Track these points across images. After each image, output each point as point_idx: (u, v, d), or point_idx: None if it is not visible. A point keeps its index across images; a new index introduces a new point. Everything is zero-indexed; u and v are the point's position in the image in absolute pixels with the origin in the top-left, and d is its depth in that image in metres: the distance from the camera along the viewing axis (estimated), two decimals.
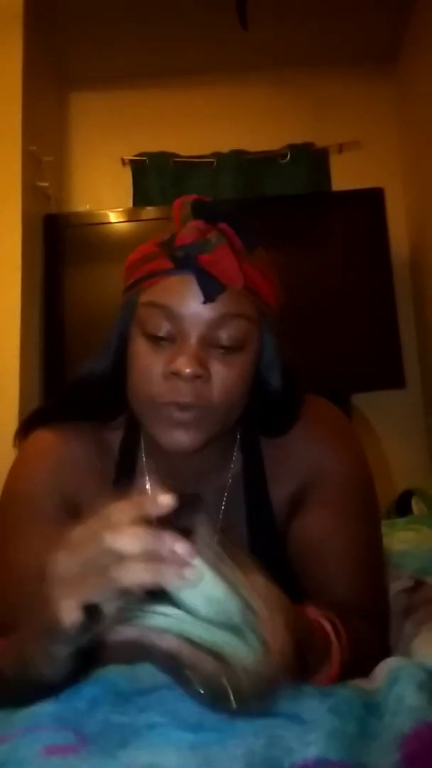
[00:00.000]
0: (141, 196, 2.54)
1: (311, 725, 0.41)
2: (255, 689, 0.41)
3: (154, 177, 2.53)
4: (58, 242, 2.28)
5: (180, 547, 0.41)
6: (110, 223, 2.34)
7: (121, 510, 0.43)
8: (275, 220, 2.31)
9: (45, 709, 0.46)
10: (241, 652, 0.41)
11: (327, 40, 2.43)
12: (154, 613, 0.42)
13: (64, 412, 0.74)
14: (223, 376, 0.63)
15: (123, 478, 0.73)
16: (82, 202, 2.51)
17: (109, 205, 2.44)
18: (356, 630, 0.59)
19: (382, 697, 0.45)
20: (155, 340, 0.64)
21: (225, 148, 2.53)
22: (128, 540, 0.41)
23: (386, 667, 0.50)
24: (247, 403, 0.68)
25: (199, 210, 0.65)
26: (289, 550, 0.71)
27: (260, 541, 0.72)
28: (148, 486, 0.74)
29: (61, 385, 0.77)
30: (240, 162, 2.52)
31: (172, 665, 0.43)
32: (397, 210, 2.41)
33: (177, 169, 2.53)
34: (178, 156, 2.54)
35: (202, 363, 0.62)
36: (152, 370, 0.63)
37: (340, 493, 0.71)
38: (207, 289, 0.61)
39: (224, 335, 0.63)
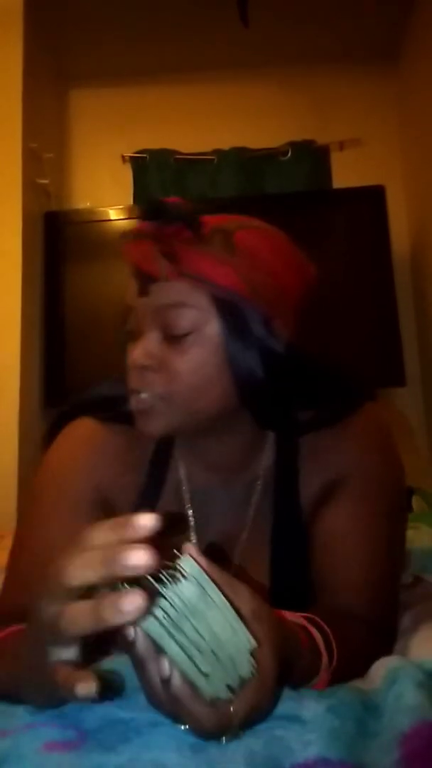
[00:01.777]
0: (141, 194, 2.53)
1: (311, 725, 0.41)
2: (241, 720, 0.41)
3: (154, 174, 2.52)
4: (58, 240, 2.28)
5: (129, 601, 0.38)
6: (111, 220, 2.34)
7: (98, 534, 0.41)
8: (276, 218, 2.30)
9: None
10: (226, 680, 0.41)
11: (328, 38, 2.43)
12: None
13: (102, 407, 0.77)
14: (175, 363, 0.65)
15: (156, 469, 0.76)
16: (82, 200, 2.51)
17: (109, 202, 2.44)
18: (353, 638, 0.59)
19: (380, 697, 0.46)
20: (130, 334, 0.69)
21: (226, 145, 2.52)
22: (81, 575, 0.39)
23: (384, 666, 0.50)
24: (236, 391, 0.67)
25: (145, 214, 0.69)
26: (312, 543, 0.71)
27: (284, 534, 0.72)
28: (182, 474, 0.76)
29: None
30: (241, 159, 2.51)
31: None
32: (398, 208, 2.41)
33: (178, 166, 2.53)
34: (178, 153, 2.53)
35: (149, 353, 0.65)
36: (128, 359, 0.69)
37: (369, 494, 0.71)
38: (139, 282, 0.67)
39: (171, 324, 0.65)
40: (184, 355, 0.65)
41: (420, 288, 2.41)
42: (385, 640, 0.68)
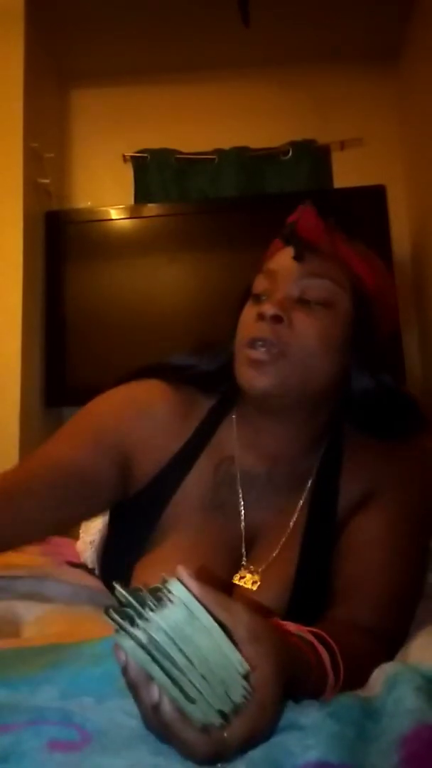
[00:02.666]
0: (142, 193, 2.53)
1: (311, 730, 0.41)
2: (237, 745, 0.40)
3: (155, 174, 2.52)
4: (59, 239, 2.28)
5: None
6: (112, 219, 2.34)
7: None
8: (277, 218, 2.30)
9: (50, 703, 0.45)
10: (218, 705, 0.40)
11: (329, 37, 2.43)
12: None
13: (171, 372, 0.80)
14: (304, 323, 0.69)
15: (198, 438, 0.78)
16: (83, 199, 2.51)
17: (110, 201, 2.44)
18: (360, 654, 0.59)
19: (380, 702, 0.46)
20: (257, 297, 0.73)
21: (227, 144, 2.52)
22: None
23: (384, 673, 0.50)
24: (335, 381, 0.71)
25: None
26: (339, 546, 0.73)
27: (317, 535, 0.74)
28: (235, 459, 0.77)
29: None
30: (242, 159, 2.51)
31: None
32: (399, 207, 2.41)
33: (178, 165, 2.53)
34: (179, 153, 2.53)
35: (284, 308, 0.69)
36: (247, 317, 0.72)
37: (402, 510, 0.72)
38: (297, 248, 0.71)
39: (310, 291, 0.70)
40: (314, 319, 0.69)
41: (421, 287, 2.41)
42: (391, 652, 0.68)
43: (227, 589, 0.71)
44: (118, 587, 0.41)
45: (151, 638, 0.39)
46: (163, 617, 0.39)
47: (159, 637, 0.39)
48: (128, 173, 2.57)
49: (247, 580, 0.72)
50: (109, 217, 2.34)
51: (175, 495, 0.75)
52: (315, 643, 0.54)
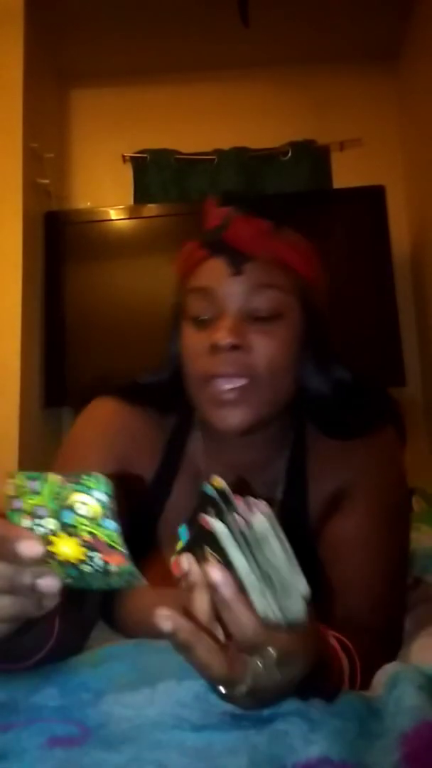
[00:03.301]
0: (142, 194, 2.53)
1: (314, 725, 0.41)
2: (278, 675, 0.41)
3: (155, 174, 2.52)
4: (59, 239, 2.28)
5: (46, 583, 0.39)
6: (111, 220, 2.34)
7: None
8: (276, 218, 2.30)
9: (49, 700, 0.46)
10: (277, 608, 0.42)
11: (329, 38, 2.43)
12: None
13: (126, 393, 0.77)
14: (264, 346, 0.65)
15: (170, 457, 0.76)
16: (83, 200, 2.51)
17: (110, 202, 2.44)
18: (366, 653, 0.59)
19: (382, 699, 0.46)
20: (198, 321, 0.68)
21: (226, 145, 2.52)
22: None
23: (385, 673, 0.50)
24: (295, 386, 0.69)
25: (225, 199, 0.70)
26: (319, 551, 0.71)
27: (293, 538, 0.72)
28: (201, 467, 0.75)
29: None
30: (241, 159, 2.51)
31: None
32: (399, 208, 2.41)
33: (178, 166, 2.53)
34: (179, 153, 2.53)
35: (239, 334, 0.64)
36: (197, 348, 0.67)
37: (376, 504, 0.71)
38: (233, 262, 0.65)
39: (260, 306, 0.65)
40: (271, 337, 0.65)
41: (420, 288, 2.41)
42: (390, 649, 0.68)
43: None
44: (213, 484, 0.44)
45: (237, 531, 0.42)
46: (254, 518, 0.43)
47: (247, 532, 0.43)
48: (128, 173, 2.57)
49: None
50: (108, 218, 2.34)
51: (162, 515, 0.74)
52: (339, 652, 0.53)
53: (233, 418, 0.64)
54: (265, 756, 0.39)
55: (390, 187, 2.28)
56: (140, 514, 0.73)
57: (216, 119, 2.57)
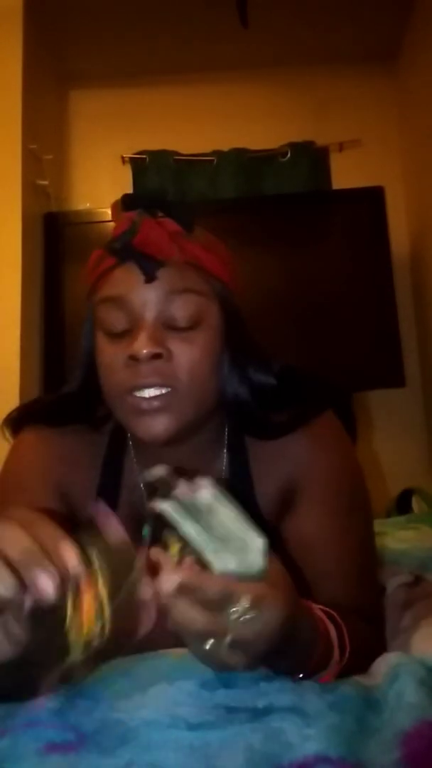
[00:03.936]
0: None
1: (311, 720, 0.41)
2: (238, 626, 0.43)
3: (154, 175, 2.52)
4: (58, 240, 2.28)
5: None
6: (110, 221, 2.33)
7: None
8: (275, 219, 2.31)
9: (45, 705, 0.46)
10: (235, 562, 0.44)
11: (327, 39, 2.43)
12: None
13: (49, 417, 0.74)
14: (185, 353, 0.63)
15: (109, 474, 0.74)
16: (82, 201, 2.51)
17: (109, 203, 2.39)
18: (354, 627, 0.59)
19: (381, 693, 0.45)
20: (114, 333, 0.65)
21: (225, 146, 2.52)
22: None
23: (386, 662, 0.50)
24: (219, 391, 0.67)
25: (129, 203, 0.67)
26: (282, 551, 0.70)
27: None
28: (140, 485, 0.73)
29: (49, 391, 0.78)
30: (240, 160, 2.51)
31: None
32: (398, 209, 2.41)
33: (177, 167, 2.53)
34: (178, 154, 2.53)
35: (158, 342, 0.62)
36: (114, 360, 0.64)
37: (328, 492, 0.70)
38: (146, 268, 0.62)
39: (177, 313, 0.63)
40: (191, 344, 0.63)
41: (419, 288, 2.41)
42: (376, 626, 0.68)
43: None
44: (154, 474, 0.47)
45: (183, 506, 0.46)
46: (198, 492, 0.47)
47: (194, 505, 0.46)
48: (127, 175, 2.57)
49: None
50: (107, 219, 2.34)
51: None
52: (324, 617, 0.54)
53: (157, 426, 0.62)
54: (261, 754, 0.39)
55: (389, 188, 2.28)
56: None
57: (215, 120, 2.57)
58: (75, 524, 0.69)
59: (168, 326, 0.63)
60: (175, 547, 0.45)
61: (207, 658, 0.44)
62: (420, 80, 2.33)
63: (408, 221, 2.49)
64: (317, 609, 0.55)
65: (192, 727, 0.42)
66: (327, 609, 0.56)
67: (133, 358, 0.61)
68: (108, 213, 2.33)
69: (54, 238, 2.28)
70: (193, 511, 0.45)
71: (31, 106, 2.16)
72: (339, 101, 2.56)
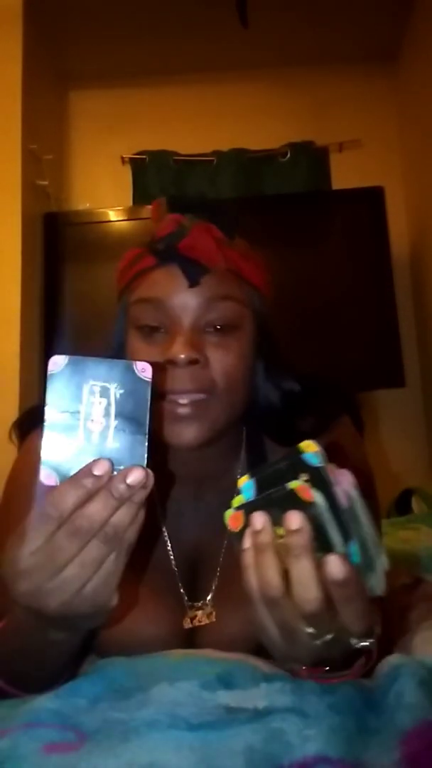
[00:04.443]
0: (141, 195, 2.53)
1: (311, 720, 0.41)
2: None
3: (154, 175, 2.52)
4: (57, 241, 2.28)
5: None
6: (110, 221, 2.34)
7: (61, 492, 0.42)
8: (275, 219, 2.31)
9: (45, 705, 0.46)
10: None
11: (327, 39, 2.43)
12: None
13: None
14: (220, 359, 0.62)
15: None
16: (82, 201, 2.51)
17: (109, 203, 2.44)
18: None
19: (381, 693, 0.45)
20: (149, 334, 0.64)
21: (225, 146, 2.52)
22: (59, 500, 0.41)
23: (386, 663, 0.49)
24: (249, 397, 0.67)
25: (174, 204, 0.67)
26: None
27: None
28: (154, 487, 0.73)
29: None
30: (240, 160, 2.51)
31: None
32: (398, 209, 2.41)
33: (177, 167, 2.53)
34: (178, 154, 2.53)
35: (196, 348, 0.61)
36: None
37: None
38: (190, 273, 0.62)
39: (215, 319, 0.63)
40: (227, 350, 0.63)
41: (419, 289, 2.41)
42: (385, 620, 0.69)
43: (180, 633, 0.67)
44: (306, 449, 0.44)
45: (332, 505, 0.43)
46: (351, 491, 0.44)
47: (344, 505, 0.43)
48: (127, 175, 2.57)
49: (201, 616, 0.67)
50: (107, 219, 2.34)
51: None
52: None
53: (188, 433, 0.61)
54: (261, 755, 0.39)
55: (389, 188, 2.28)
56: None
57: (215, 120, 2.57)
58: None
59: (205, 332, 0.63)
60: (280, 531, 0.44)
61: (299, 639, 0.43)
62: (420, 80, 2.33)
63: (408, 221, 2.49)
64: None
65: (192, 727, 0.42)
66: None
67: (171, 363, 0.61)
68: (108, 213, 2.34)
69: (54, 238, 2.28)
70: (337, 512, 0.43)
71: (31, 106, 2.16)
72: (339, 101, 2.56)
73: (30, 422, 0.75)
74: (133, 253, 0.69)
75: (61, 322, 2.23)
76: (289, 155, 2.50)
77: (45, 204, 2.29)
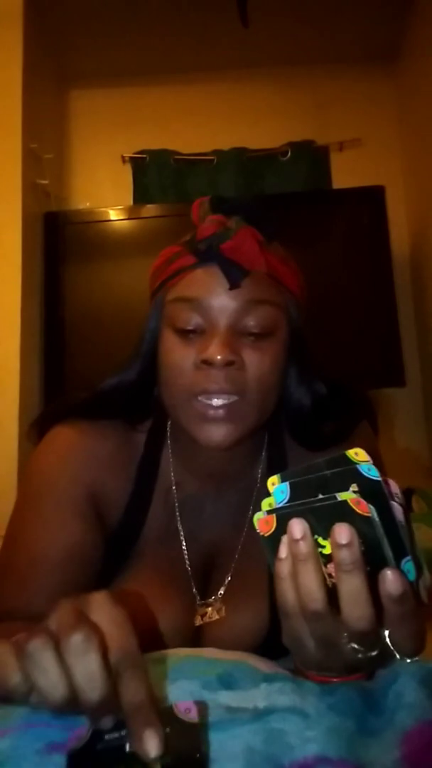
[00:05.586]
0: (141, 194, 2.53)
1: (311, 721, 0.41)
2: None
3: (154, 174, 2.52)
4: (58, 240, 2.28)
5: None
6: (110, 220, 2.34)
7: (63, 615, 0.38)
8: (269, 230, 2.30)
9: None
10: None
11: (328, 38, 2.43)
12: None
13: (87, 411, 0.73)
14: (256, 362, 0.63)
15: (145, 475, 0.73)
16: (82, 200, 2.51)
17: (109, 202, 2.44)
18: None
19: (381, 693, 0.45)
20: (185, 333, 0.64)
21: (225, 145, 2.52)
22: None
23: None
24: (279, 400, 0.68)
25: (218, 205, 0.67)
26: None
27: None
28: (174, 488, 0.73)
29: (79, 386, 0.76)
30: (240, 160, 2.51)
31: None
32: (398, 208, 2.41)
33: (177, 166, 2.53)
34: (178, 153, 2.54)
35: (233, 350, 0.62)
36: (184, 362, 0.63)
37: None
38: (231, 275, 0.62)
39: (253, 322, 0.63)
40: (263, 353, 0.64)
41: (420, 288, 2.41)
42: None
43: (190, 631, 0.66)
44: (358, 458, 0.43)
45: (387, 517, 0.42)
46: (397, 510, 0.43)
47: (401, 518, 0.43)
48: (127, 174, 2.57)
49: (211, 613, 0.68)
50: (107, 218, 2.34)
51: (140, 536, 0.71)
52: None
53: (219, 434, 0.62)
54: (262, 756, 0.39)
55: (389, 187, 2.29)
56: (117, 537, 0.70)
57: (215, 120, 2.58)
58: (103, 529, 0.69)
59: (242, 333, 0.63)
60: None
61: (344, 651, 0.43)
62: (420, 80, 2.33)
63: (408, 220, 2.49)
64: None
65: None
66: None
67: (207, 363, 0.61)
68: (108, 212, 2.34)
69: (54, 237, 2.28)
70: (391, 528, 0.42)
71: (31, 105, 2.16)
72: (339, 101, 2.56)
73: (56, 414, 0.74)
74: (172, 251, 0.69)
75: (61, 322, 2.23)
76: (289, 154, 2.50)
77: (45, 203, 2.29)
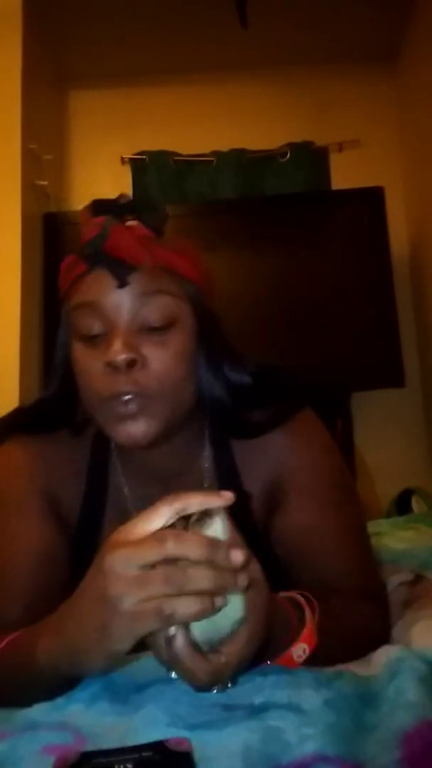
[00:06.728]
0: (141, 195, 2.53)
1: (308, 718, 0.41)
2: (232, 670, 0.44)
3: (153, 176, 2.52)
4: (57, 241, 2.28)
5: (236, 556, 0.44)
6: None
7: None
8: (275, 219, 2.31)
9: (43, 707, 0.46)
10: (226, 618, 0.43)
11: (327, 39, 2.43)
12: None
13: (24, 428, 0.74)
14: (159, 357, 0.63)
15: (96, 478, 0.74)
16: (81, 201, 2.48)
17: None
18: (347, 605, 0.61)
19: (380, 687, 0.45)
20: (89, 339, 0.65)
21: (225, 146, 2.52)
22: (191, 546, 0.43)
23: (385, 655, 0.49)
24: (201, 387, 0.68)
25: (97, 208, 0.67)
26: (275, 546, 0.72)
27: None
28: (125, 489, 0.74)
29: (22, 406, 0.78)
30: (240, 161, 2.51)
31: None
32: (397, 209, 2.41)
33: (177, 167, 2.53)
34: (177, 154, 2.54)
35: (133, 348, 0.62)
36: (92, 368, 0.64)
37: (316, 486, 0.71)
38: (117, 273, 0.63)
39: (151, 314, 0.63)
40: (167, 347, 0.64)
41: (419, 289, 2.41)
42: (378, 601, 0.70)
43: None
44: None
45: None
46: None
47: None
48: (126, 175, 2.57)
49: None
50: None
51: (98, 541, 0.72)
52: (295, 595, 0.55)
53: (137, 431, 0.62)
54: (260, 754, 0.38)
55: (388, 188, 2.29)
56: (77, 542, 0.72)
57: (214, 121, 2.58)
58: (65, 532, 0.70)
59: (142, 329, 0.64)
60: None
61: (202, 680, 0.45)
62: (420, 80, 2.33)
63: (408, 221, 2.49)
64: (282, 599, 0.55)
65: (190, 726, 0.42)
66: (301, 591, 0.57)
67: (110, 365, 0.61)
68: None
69: (54, 238, 2.28)
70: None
71: (31, 106, 2.16)
72: (338, 101, 2.56)
73: (4, 429, 0.75)
74: (68, 261, 0.70)
75: (61, 322, 2.23)
76: (288, 155, 2.50)
77: (45, 204, 2.29)
